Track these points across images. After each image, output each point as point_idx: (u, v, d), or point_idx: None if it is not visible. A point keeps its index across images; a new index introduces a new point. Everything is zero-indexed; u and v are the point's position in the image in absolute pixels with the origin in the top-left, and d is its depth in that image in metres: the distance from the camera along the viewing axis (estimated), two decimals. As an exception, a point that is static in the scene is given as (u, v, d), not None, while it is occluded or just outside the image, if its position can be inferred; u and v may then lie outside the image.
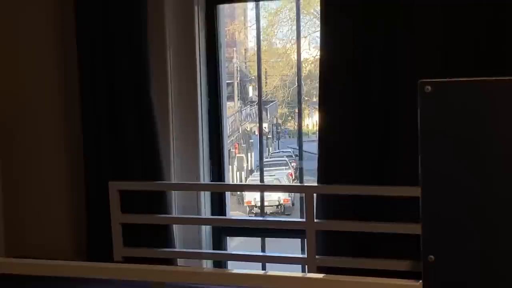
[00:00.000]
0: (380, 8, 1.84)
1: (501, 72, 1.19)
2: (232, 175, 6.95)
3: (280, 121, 7.80)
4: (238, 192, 6.62)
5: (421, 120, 1.12)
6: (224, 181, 2.30)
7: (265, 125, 7.25)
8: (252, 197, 6.25)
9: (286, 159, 7.14)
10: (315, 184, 1.96)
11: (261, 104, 2.45)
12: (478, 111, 1.10)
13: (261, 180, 2.36)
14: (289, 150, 7.31)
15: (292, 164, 6.91)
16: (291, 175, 6.73)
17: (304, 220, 1.95)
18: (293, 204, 6.45)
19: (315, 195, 1.94)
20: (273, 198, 6.46)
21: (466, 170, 1.12)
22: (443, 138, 1.12)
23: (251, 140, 7.27)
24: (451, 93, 1.12)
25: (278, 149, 7.77)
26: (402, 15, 1.82)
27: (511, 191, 1.09)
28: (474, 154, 1.11)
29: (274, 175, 6.65)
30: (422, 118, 1.12)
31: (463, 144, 1.11)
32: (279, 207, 6.64)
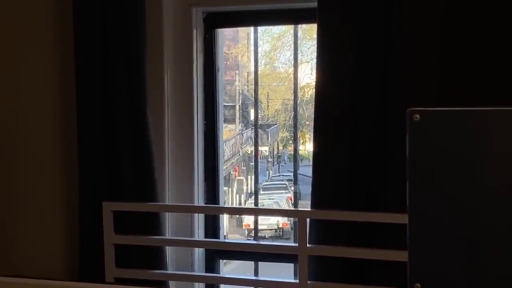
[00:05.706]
0: (376, 36, 1.85)
1: (494, 103, 1.19)
2: (232, 198, 6.93)
3: (281, 145, 7.79)
4: (237, 215, 6.60)
5: (409, 149, 1.12)
6: (218, 203, 2.30)
7: (265, 148, 7.24)
8: (251, 220, 6.22)
9: (286, 183, 7.12)
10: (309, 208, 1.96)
11: (257, 128, 2.46)
12: (467, 140, 1.10)
13: (256, 203, 2.36)
14: (289, 174, 7.30)
15: (292, 188, 6.89)
16: (291, 199, 6.71)
17: (296, 245, 1.95)
18: (292, 228, 6.42)
19: (308, 219, 1.94)
20: (272, 221, 6.44)
21: (455, 199, 1.11)
22: (431, 167, 1.11)
23: (251, 163, 7.26)
24: (440, 122, 1.11)
25: (278, 172, 7.75)
26: (398, 43, 1.83)
27: (501, 221, 1.09)
28: (462, 183, 1.10)
29: (273, 198, 6.64)
30: (410, 146, 1.12)
31: (451, 173, 1.11)
32: (277, 231, 6.61)
